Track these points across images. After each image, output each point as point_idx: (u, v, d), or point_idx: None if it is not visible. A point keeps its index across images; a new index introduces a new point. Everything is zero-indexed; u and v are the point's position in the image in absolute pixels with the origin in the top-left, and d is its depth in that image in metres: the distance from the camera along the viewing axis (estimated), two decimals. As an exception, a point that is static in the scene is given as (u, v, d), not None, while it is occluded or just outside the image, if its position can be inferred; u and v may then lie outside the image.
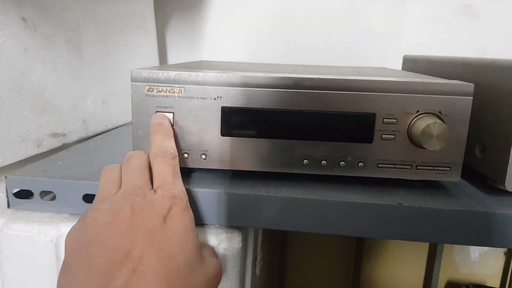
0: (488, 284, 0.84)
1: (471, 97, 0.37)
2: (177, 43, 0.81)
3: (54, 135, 0.52)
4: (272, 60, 0.79)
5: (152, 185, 0.34)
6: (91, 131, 0.58)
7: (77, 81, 0.55)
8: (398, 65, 0.69)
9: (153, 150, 0.36)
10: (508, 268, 0.82)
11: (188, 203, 0.34)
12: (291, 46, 0.80)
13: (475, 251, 0.82)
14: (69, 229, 0.40)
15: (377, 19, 0.77)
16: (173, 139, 0.38)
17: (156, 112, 0.39)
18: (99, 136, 0.58)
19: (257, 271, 0.75)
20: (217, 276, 0.32)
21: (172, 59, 0.81)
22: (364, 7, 0.77)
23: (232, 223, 0.39)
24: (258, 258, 0.77)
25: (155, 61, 0.72)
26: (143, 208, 0.31)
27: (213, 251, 0.36)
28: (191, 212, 0.33)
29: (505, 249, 0.83)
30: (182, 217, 0.31)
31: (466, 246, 0.83)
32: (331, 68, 0.57)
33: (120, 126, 0.65)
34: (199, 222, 0.39)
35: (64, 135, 0.53)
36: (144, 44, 0.69)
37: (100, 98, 0.59)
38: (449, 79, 0.40)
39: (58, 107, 0.52)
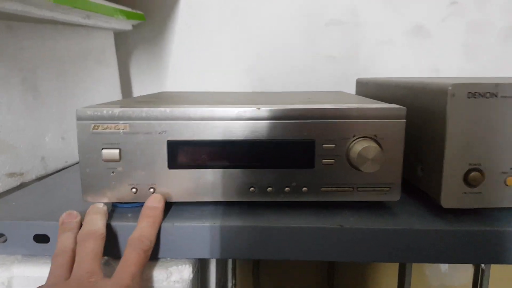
0: (461, 296, 0.85)
1: (404, 120, 0.39)
2: (141, 75, 0.83)
3: (11, 174, 0.52)
4: (235, 87, 0.81)
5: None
6: (51, 168, 0.58)
7: (34, 119, 0.55)
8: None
9: (133, 233, 0.37)
10: (478, 278, 0.84)
11: None
12: (254, 73, 0.82)
13: (445, 264, 0.83)
14: (21, 271, 0.40)
15: (335, 44, 0.80)
16: (157, 229, 0.38)
17: (103, 149, 0.40)
18: (59, 172, 0.58)
19: (229, 297, 0.75)
20: None
21: (136, 91, 0.83)
22: (323, 33, 0.80)
23: (180, 255, 0.39)
24: (229, 285, 0.77)
25: (118, 95, 0.73)
26: None
27: None
28: None
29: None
30: None
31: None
32: (285, 95, 0.58)
33: (83, 160, 0.65)
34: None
35: (21, 174, 0.53)
36: (105, 78, 0.70)
37: (60, 134, 0.60)
38: (394, 101, 0.42)
39: (14, 146, 0.52)
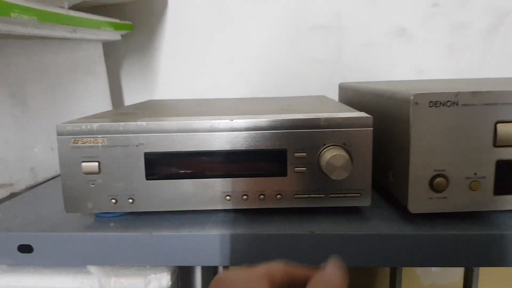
0: (452, 294, 0.86)
1: (371, 128, 0.40)
2: (132, 83, 0.84)
3: (0, 186, 0.54)
4: (223, 91, 0.83)
5: None
6: (41, 178, 0.60)
7: (23, 132, 0.57)
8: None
9: None
10: (468, 276, 0.84)
11: None
12: (243, 78, 0.83)
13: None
14: (6, 281, 0.42)
15: (318, 47, 0.82)
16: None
17: (82, 162, 0.41)
18: (49, 182, 0.60)
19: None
20: None
21: (128, 99, 0.85)
22: (306, 37, 0.81)
23: (159, 263, 0.41)
24: None
25: (108, 104, 0.75)
26: None
27: None
28: None
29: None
30: None
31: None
32: (267, 101, 0.60)
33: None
34: (127, 264, 0.41)
35: (11, 185, 0.55)
36: (95, 88, 0.72)
37: (49, 145, 0.61)
38: (368, 107, 0.43)
39: (3, 159, 0.54)
